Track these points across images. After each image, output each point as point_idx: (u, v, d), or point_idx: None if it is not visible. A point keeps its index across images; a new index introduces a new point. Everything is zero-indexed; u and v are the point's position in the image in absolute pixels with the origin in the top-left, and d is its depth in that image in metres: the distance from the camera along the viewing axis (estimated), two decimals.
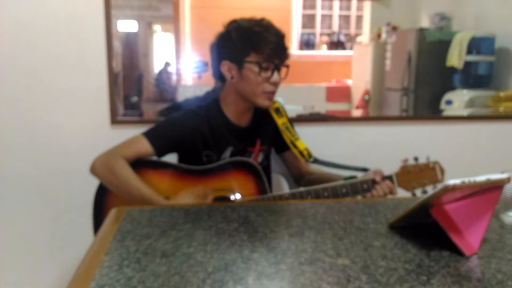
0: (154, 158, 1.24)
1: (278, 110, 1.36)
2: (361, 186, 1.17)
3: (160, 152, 1.22)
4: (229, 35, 1.22)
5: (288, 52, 1.24)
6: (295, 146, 1.32)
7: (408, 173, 1.20)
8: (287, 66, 1.25)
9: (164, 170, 1.24)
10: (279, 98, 1.76)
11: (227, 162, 1.25)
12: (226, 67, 1.23)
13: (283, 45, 1.22)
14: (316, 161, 1.31)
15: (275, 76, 1.21)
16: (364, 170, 1.24)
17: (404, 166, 1.20)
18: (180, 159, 1.32)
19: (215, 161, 1.26)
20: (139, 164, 1.20)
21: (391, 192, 1.18)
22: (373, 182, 1.17)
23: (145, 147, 1.19)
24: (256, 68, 1.19)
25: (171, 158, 1.29)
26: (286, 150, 1.41)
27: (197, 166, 1.24)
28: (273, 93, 1.24)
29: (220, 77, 1.27)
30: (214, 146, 1.26)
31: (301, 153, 1.31)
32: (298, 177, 1.45)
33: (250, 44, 1.19)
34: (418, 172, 1.20)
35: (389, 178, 1.20)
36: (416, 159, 1.21)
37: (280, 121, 1.35)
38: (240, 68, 1.20)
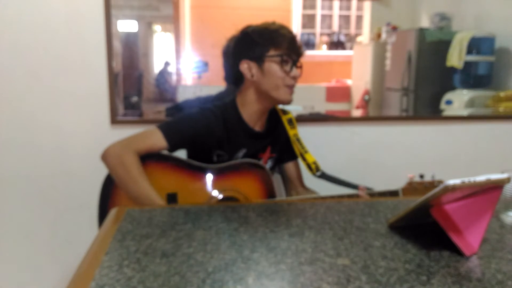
0: (165, 152, 1.24)
1: (291, 121, 1.38)
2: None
3: (174, 147, 1.23)
4: (247, 36, 1.25)
5: (302, 49, 1.27)
6: (304, 159, 1.35)
7: (414, 189, 1.22)
8: (301, 67, 1.28)
9: (174, 165, 1.24)
10: None
11: (237, 162, 1.25)
12: (246, 66, 1.25)
13: (298, 42, 1.26)
14: (323, 175, 1.32)
15: (295, 70, 1.24)
16: (368, 189, 1.25)
17: (410, 183, 1.23)
18: (189, 156, 1.32)
19: (226, 161, 1.26)
20: (149, 157, 1.20)
21: None
22: (357, 196, 1.20)
23: (160, 141, 1.20)
24: (277, 60, 1.22)
25: (179, 153, 1.29)
26: (288, 161, 1.43)
27: (207, 164, 1.25)
28: (293, 87, 1.26)
29: (234, 80, 1.29)
30: (227, 146, 1.26)
31: (309, 166, 1.33)
32: (292, 190, 1.46)
33: (269, 41, 1.22)
34: (423, 190, 1.22)
35: (396, 192, 1.22)
36: (421, 176, 1.23)
37: (292, 132, 1.37)
38: (260, 64, 1.23)
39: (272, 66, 1.23)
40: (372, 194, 1.22)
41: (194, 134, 1.24)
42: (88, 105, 1.65)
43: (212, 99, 1.50)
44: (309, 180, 1.43)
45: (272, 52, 1.22)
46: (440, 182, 1.22)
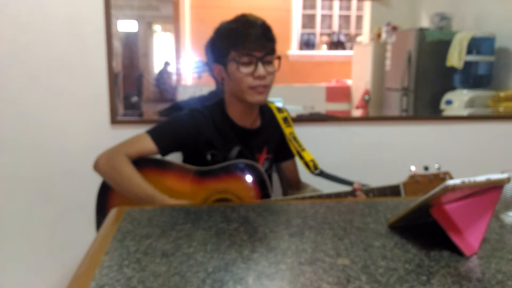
0: (158, 157, 1.24)
1: (286, 120, 1.37)
2: (345, 196, 1.19)
3: (164, 151, 1.22)
4: (212, 39, 1.25)
5: (272, 43, 1.20)
6: (302, 157, 1.33)
7: (416, 182, 1.17)
8: (279, 58, 1.21)
9: (167, 169, 1.24)
10: (278, 98, 1.77)
11: (231, 164, 1.24)
12: (216, 70, 1.24)
13: (265, 37, 1.18)
14: (321, 173, 1.31)
15: (260, 70, 1.17)
16: (364, 185, 1.22)
17: (413, 176, 1.18)
18: (185, 159, 1.31)
19: (221, 160, 1.26)
20: (142, 163, 1.20)
21: None
22: (353, 193, 1.18)
23: (149, 145, 1.19)
24: (234, 65, 1.18)
25: (176, 157, 1.29)
26: (285, 160, 1.42)
27: (201, 166, 1.24)
28: (262, 87, 1.19)
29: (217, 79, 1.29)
30: (219, 145, 1.26)
31: (307, 164, 1.31)
32: (288, 188, 1.45)
33: (228, 43, 1.18)
34: (427, 183, 1.17)
35: (396, 187, 1.18)
36: (426, 168, 1.18)
37: (287, 131, 1.35)
38: (226, 69, 1.21)
39: (233, 70, 1.18)
40: (372, 190, 1.19)
41: (183, 136, 1.23)
42: (88, 105, 1.64)
43: (205, 99, 1.50)
44: (307, 178, 1.42)
45: (232, 55, 1.17)
46: (446, 173, 1.17)
